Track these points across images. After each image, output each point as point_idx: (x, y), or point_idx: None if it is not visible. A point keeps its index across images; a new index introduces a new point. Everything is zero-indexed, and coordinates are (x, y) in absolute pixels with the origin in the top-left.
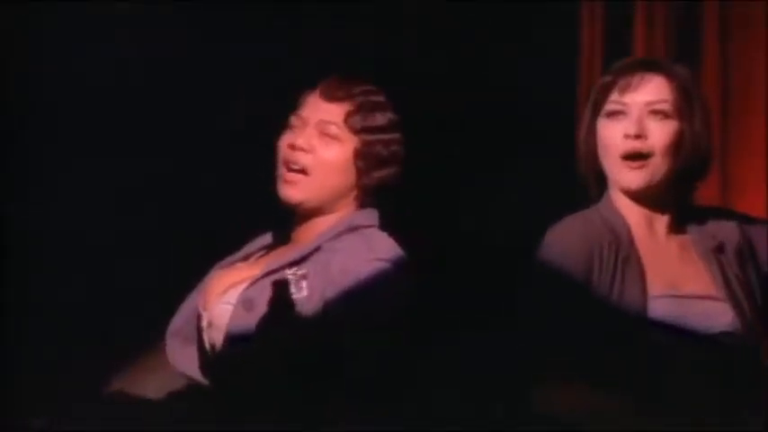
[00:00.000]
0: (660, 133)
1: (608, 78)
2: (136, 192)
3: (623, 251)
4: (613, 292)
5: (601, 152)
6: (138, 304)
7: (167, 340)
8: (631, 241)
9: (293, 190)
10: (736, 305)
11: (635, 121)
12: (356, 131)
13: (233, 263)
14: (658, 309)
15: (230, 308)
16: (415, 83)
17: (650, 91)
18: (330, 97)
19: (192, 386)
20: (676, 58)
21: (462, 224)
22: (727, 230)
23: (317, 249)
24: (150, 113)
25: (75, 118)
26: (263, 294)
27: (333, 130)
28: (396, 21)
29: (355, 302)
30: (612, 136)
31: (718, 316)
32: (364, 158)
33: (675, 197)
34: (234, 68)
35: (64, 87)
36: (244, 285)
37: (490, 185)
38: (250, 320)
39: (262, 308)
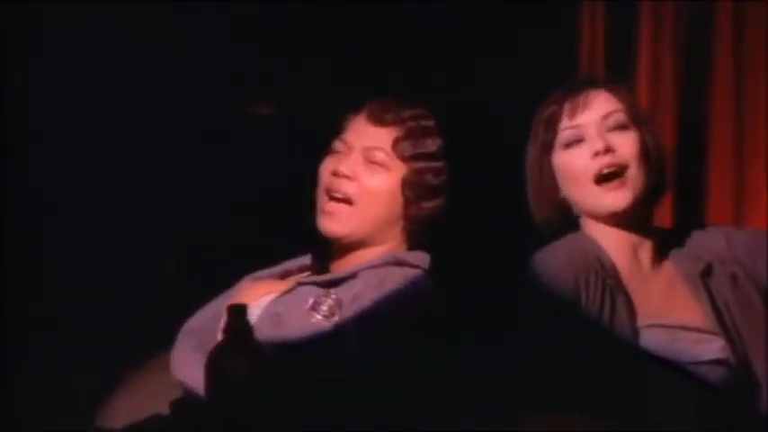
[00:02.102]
0: (626, 143)
1: (551, 108)
2: (138, 192)
3: (610, 280)
4: (602, 321)
5: (567, 185)
6: (140, 307)
7: (179, 338)
8: (615, 269)
9: (335, 222)
10: (726, 332)
11: (598, 138)
12: (405, 159)
13: (269, 276)
14: (645, 338)
15: (259, 311)
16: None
17: (601, 105)
18: (378, 121)
19: (188, 397)
20: (686, 62)
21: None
22: (714, 249)
23: (354, 276)
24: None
25: (79, 119)
26: (291, 310)
27: (380, 156)
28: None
29: (380, 346)
30: (578, 162)
31: (706, 344)
32: (413, 188)
33: (652, 219)
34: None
35: (64, 87)
36: (275, 295)
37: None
38: (273, 336)
39: (287, 324)
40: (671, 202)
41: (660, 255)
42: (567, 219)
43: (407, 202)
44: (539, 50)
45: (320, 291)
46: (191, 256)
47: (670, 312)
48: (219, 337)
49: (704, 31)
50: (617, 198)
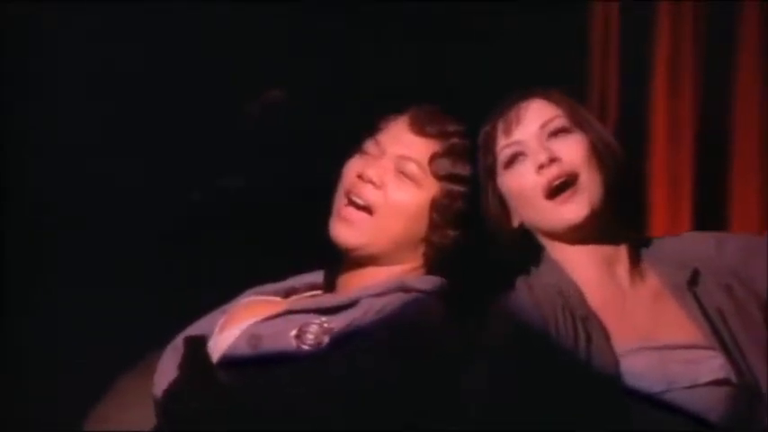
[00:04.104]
0: (572, 148)
1: (485, 130)
2: (138, 192)
3: (579, 311)
4: (580, 357)
5: (518, 207)
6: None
7: (167, 352)
8: (581, 297)
9: (349, 231)
10: (723, 346)
11: (540, 150)
12: (440, 177)
13: (273, 293)
14: (633, 365)
15: (237, 332)
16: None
17: (536, 115)
18: (419, 131)
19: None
20: (707, 62)
21: None
22: (701, 255)
23: (355, 304)
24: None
25: (83, 121)
26: (273, 334)
27: (412, 169)
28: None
29: (368, 376)
30: (524, 180)
31: (704, 363)
32: (442, 211)
33: (626, 230)
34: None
35: (64, 87)
36: (262, 317)
37: None
38: (250, 357)
39: (266, 349)
40: (692, 210)
41: (641, 267)
42: (529, 247)
43: (433, 226)
44: (546, 55)
45: (311, 316)
46: (193, 259)
47: (658, 331)
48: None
49: (727, 31)
50: (573, 209)
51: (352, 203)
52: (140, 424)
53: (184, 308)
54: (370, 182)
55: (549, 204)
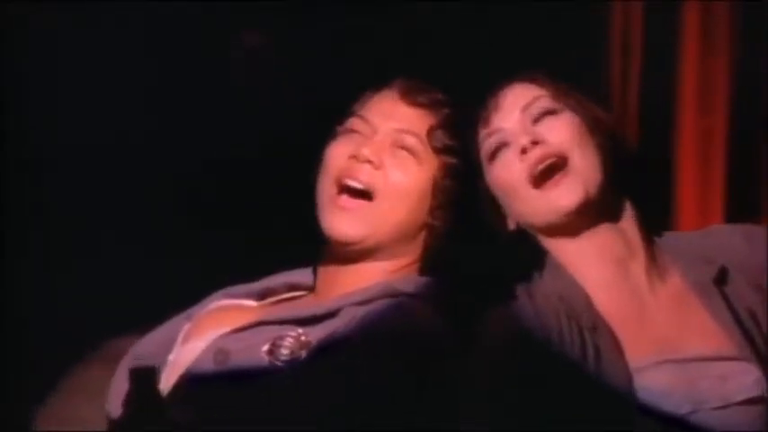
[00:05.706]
0: (559, 129)
1: (471, 119)
2: (137, 190)
3: (586, 320)
4: (588, 372)
5: (507, 204)
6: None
7: (123, 363)
8: (589, 304)
9: (348, 222)
10: (758, 357)
11: (522, 133)
12: (438, 151)
13: (245, 295)
14: (653, 381)
15: (203, 345)
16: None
17: (517, 99)
18: (411, 102)
19: None
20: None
21: None
22: (727, 250)
23: (336, 313)
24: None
25: (83, 121)
26: (242, 349)
27: (413, 142)
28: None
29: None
30: (508, 171)
31: (737, 378)
32: (443, 189)
33: (640, 223)
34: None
35: (64, 87)
36: (229, 328)
37: None
38: (215, 376)
39: (237, 364)
40: (723, 209)
41: (661, 265)
42: (530, 252)
43: (435, 208)
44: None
45: (287, 328)
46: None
47: (682, 340)
48: (169, 366)
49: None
50: (564, 194)
51: (346, 190)
52: (94, 422)
53: (183, 304)
54: (368, 161)
55: (537, 193)
